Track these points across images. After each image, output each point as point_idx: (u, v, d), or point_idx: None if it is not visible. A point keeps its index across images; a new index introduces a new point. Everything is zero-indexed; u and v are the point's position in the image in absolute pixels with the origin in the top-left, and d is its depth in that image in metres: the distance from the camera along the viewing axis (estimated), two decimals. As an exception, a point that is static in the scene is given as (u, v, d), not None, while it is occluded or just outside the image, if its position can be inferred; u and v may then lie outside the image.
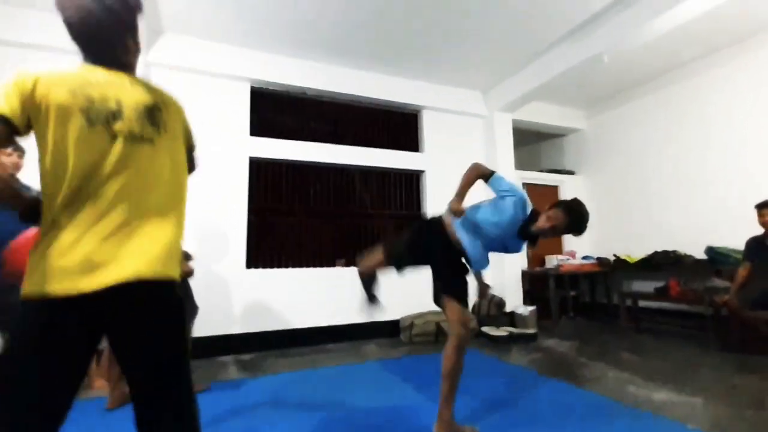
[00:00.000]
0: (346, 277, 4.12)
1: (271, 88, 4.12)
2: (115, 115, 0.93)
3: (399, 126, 4.79)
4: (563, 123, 5.62)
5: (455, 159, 4.88)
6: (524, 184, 5.38)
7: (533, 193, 5.53)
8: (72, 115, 0.88)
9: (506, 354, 3.41)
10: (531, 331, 3.98)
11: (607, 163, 5.45)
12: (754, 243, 3.19)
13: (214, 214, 3.63)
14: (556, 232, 1.85)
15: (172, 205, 1.00)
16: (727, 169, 4.08)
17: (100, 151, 0.90)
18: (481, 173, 1.89)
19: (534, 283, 4.94)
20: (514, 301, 4.60)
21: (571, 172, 5.82)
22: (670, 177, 4.65)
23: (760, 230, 3.21)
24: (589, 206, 6.54)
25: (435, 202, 4.67)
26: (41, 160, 0.90)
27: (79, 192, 0.88)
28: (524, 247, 2.04)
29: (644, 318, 4.38)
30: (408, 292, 4.33)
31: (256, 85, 4.05)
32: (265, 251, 3.94)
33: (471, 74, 4.52)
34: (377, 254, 2.12)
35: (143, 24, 1.08)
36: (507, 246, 1.96)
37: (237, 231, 3.74)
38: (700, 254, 4.11)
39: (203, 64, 3.75)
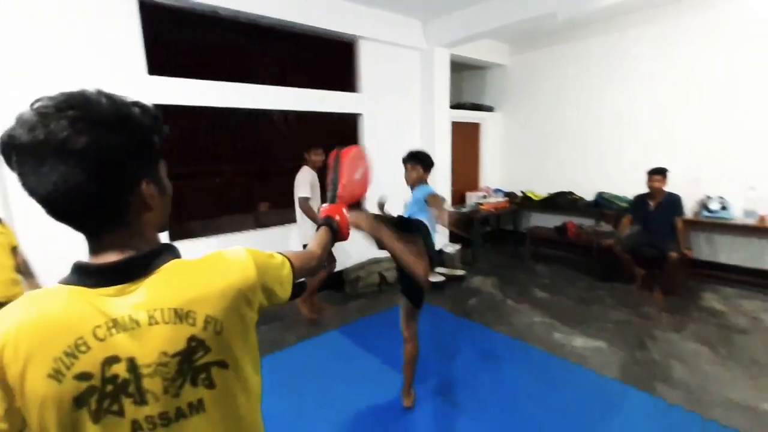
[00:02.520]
0: (276, 237, 3.88)
1: (168, 3, 3.01)
2: (128, 391, 0.56)
3: (333, 59, 4.13)
4: (488, 57, 5.56)
5: (394, 100, 4.57)
6: (453, 123, 5.41)
7: (459, 130, 5.64)
8: (63, 412, 0.53)
9: (445, 300, 3.87)
10: (460, 272, 4.50)
11: (524, 102, 5.76)
12: (638, 200, 3.95)
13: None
14: (419, 174, 2.31)
15: None
16: (622, 124, 4.73)
17: None
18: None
19: (457, 222, 5.39)
20: (442, 240, 5.02)
21: (490, 108, 6.03)
22: (575, 124, 5.20)
23: (643, 187, 3.94)
24: (504, 142, 6.91)
25: (373, 148, 4.43)
26: None
27: None
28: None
29: (541, 246, 5.30)
30: (345, 245, 4.36)
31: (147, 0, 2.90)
32: (187, 220, 3.37)
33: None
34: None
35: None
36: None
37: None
38: (590, 197, 4.96)
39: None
